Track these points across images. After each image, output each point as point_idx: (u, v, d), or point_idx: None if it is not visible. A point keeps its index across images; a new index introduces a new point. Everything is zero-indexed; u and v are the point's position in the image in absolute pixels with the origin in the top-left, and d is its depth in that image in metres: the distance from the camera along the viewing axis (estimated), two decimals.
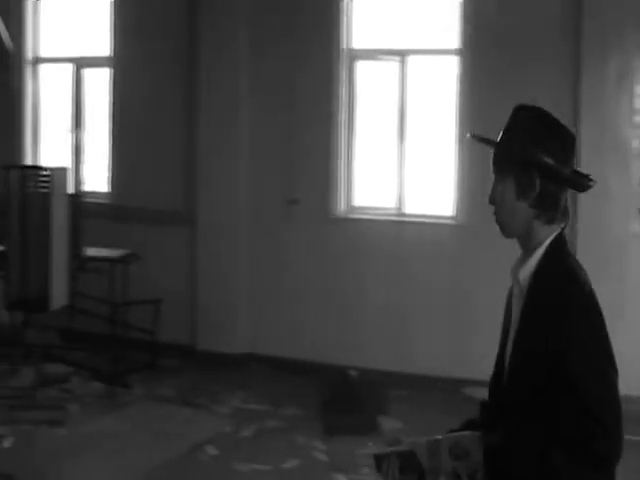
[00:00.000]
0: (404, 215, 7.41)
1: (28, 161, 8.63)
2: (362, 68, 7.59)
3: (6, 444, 5.78)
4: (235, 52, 7.62)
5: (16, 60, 8.73)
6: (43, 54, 8.86)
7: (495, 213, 2.32)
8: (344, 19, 7.44)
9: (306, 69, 7.48)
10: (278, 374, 7.45)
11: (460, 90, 7.13)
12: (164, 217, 7.90)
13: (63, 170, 6.55)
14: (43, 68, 8.89)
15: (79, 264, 6.92)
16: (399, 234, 7.30)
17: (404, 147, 7.40)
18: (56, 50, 8.79)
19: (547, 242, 2.25)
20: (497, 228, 2.35)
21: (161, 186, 7.94)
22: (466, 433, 2.25)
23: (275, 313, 7.69)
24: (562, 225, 2.28)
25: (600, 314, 2.16)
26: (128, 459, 5.68)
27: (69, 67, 8.63)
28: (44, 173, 6.39)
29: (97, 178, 8.47)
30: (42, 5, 8.78)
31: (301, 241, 7.58)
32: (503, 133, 2.30)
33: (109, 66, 8.27)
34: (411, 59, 7.38)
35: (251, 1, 7.63)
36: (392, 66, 7.41)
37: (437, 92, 7.40)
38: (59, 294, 6.43)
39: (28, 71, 8.85)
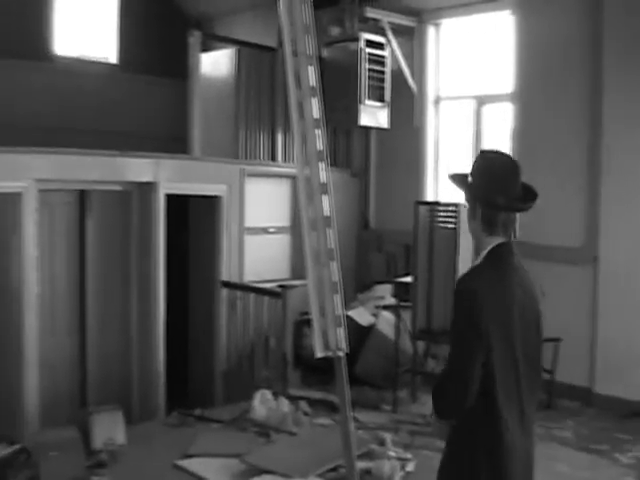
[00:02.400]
0: None
1: (429, 197, 9.00)
2: None
3: (408, 468, 5.97)
4: None
5: (419, 99, 9.18)
6: (443, 93, 9.22)
7: None
8: None
9: None
10: None
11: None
12: (566, 254, 7.73)
13: None
14: (444, 106, 9.24)
15: None
16: None
17: None
18: (457, 88, 9.09)
19: (489, 248, 3.06)
20: None
21: (563, 224, 7.78)
22: None
23: None
24: (503, 237, 3.06)
25: (474, 304, 2.90)
26: None
27: (469, 104, 8.86)
28: (451, 209, 6.58)
29: None
30: (441, 47, 9.16)
31: None
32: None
33: (510, 102, 8.32)
34: None
35: None
36: None
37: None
38: None
39: (430, 109, 9.25)
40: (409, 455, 6.16)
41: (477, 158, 3.19)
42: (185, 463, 6.05)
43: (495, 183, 3.05)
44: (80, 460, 5.69)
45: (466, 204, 3.16)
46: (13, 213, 6.89)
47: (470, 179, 3.12)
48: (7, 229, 6.98)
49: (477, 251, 3.12)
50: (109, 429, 6.12)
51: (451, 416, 3.01)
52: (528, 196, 3.11)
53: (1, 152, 6.77)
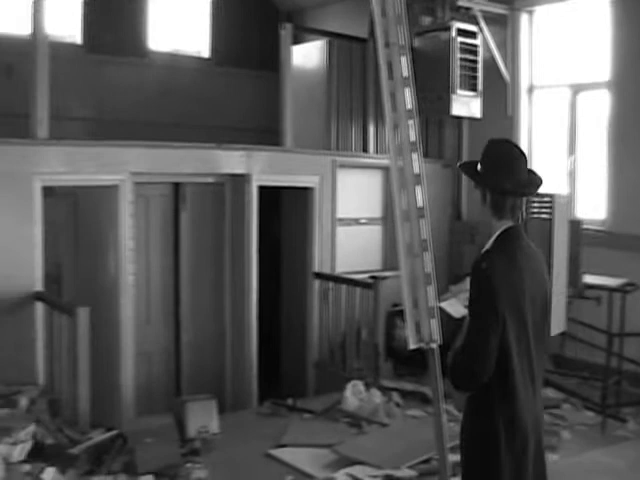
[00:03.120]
0: None
1: None
2: None
3: None
4: None
5: (512, 88, 9.02)
6: (537, 81, 9.03)
7: None
8: None
9: None
10: None
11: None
12: None
13: (565, 197, 6.54)
14: (537, 94, 9.05)
15: (577, 291, 6.84)
16: None
17: None
18: (551, 77, 8.89)
19: (498, 232, 3.31)
20: None
21: None
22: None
23: None
24: (511, 220, 3.31)
25: (490, 284, 3.15)
26: None
27: (564, 92, 8.65)
28: (546, 199, 6.44)
29: (592, 204, 8.33)
30: (534, 35, 8.97)
31: None
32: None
33: (606, 89, 8.09)
34: None
35: None
36: None
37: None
38: (557, 321, 6.42)
39: (523, 98, 9.08)
40: None
41: (486, 147, 3.41)
42: (277, 452, 6.12)
43: (502, 170, 3.30)
44: (175, 447, 5.82)
45: (477, 191, 3.41)
46: (110, 206, 7.08)
47: (479, 167, 3.38)
48: (104, 221, 7.18)
49: (489, 235, 3.37)
50: (203, 418, 6.23)
51: (468, 388, 3.31)
52: (534, 182, 3.39)
53: (98, 146, 6.97)
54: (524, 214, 3.39)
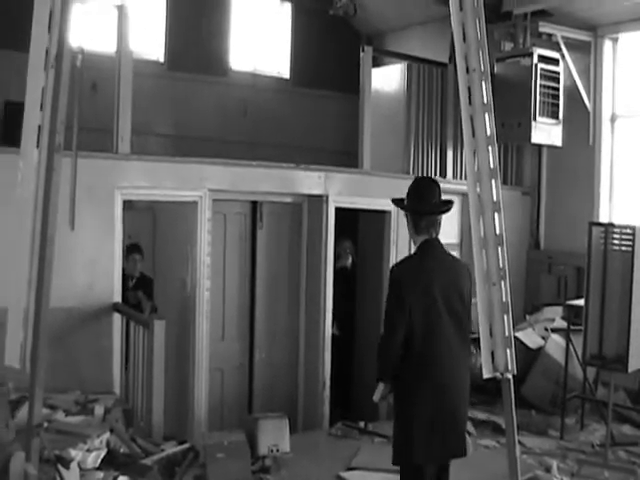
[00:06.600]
0: None
1: (603, 217, 8.69)
2: None
3: None
4: None
5: (594, 116, 8.90)
6: (620, 110, 8.90)
7: None
8: None
9: None
10: None
11: None
12: None
13: None
14: (620, 123, 8.91)
15: None
16: None
17: None
18: (635, 105, 8.74)
19: (418, 244, 4.40)
20: None
21: None
22: None
23: None
24: (427, 235, 4.37)
25: (399, 287, 4.26)
26: None
27: None
28: (627, 231, 6.31)
29: None
30: (618, 63, 8.84)
31: None
32: None
33: None
34: None
35: None
36: None
37: None
38: (636, 356, 6.27)
39: (606, 127, 8.94)
40: None
41: (411, 183, 4.50)
42: (347, 475, 6.11)
43: (418, 197, 4.41)
44: (246, 464, 5.86)
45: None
46: (188, 221, 7.20)
47: (405, 198, 4.48)
48: (182, 237, 7.31)
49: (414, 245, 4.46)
50: (274, 436, 6.26)
51: (387, 368, 4.35)
52: (443, 205, 4.41)
53: (178, 162, 7.10)
54: (438, 231, 4.39)
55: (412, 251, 4.51)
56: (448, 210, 4.41)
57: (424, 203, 4.34)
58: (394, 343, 4.24)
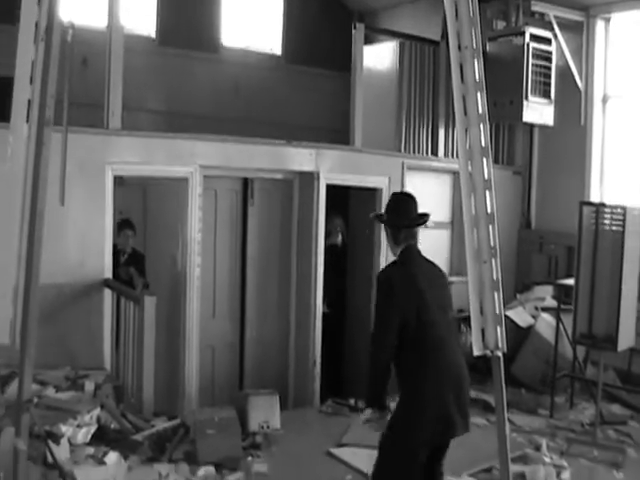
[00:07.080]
0: None
1: (594, 197, 8.70)
2: None
3: (564, 476, 5.81)
4: None
5: (585, 96, 8.88)
6: (612, 90, 8.89)
7: None
8: None
9: None
10: None
11: None
12: None
13: (638, 209, 6.41)
14: (612, 104, 8.90)
15: None
16: None
17: None
18: (627, 86, 8.74)
19: (398, 254, 4.58)
20: None
21: None
22: None
23: None
24: (405, 244, 4.55)
25: (389, 287, 4.37)
26: None
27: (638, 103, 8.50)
28: (618, 211, 6.32)
29: None
30: (610, 43, 8.82)
31: None
32: None
33: None
34: None
35: None
36: None
37: None
38: (626, 335, 6.30)
39: (597, 107, 8.94)
40: (565, 462, 6.02)
41: (389, 198, 4.80)
42: (338, 451, 6.14)
43: (396, 212, 4.63)
44: (236, 440, 5.87)
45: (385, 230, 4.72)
46: (179, 197, 7.18)
47: (384, 213, 4.72)
48: (172, 213, 7.29)
49: (393, 255, 4.66)
50: (265, 412, 6.28)
51: (377, 393, 4.34)
52: (420, 218, 4.64)
53: (169, 138, 7.07)
54: (417, 241, 4.61)
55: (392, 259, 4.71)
56: (424, 223, 4.68)
57: (402, 217, 4.57)
58: (387, 345, 4.27)
